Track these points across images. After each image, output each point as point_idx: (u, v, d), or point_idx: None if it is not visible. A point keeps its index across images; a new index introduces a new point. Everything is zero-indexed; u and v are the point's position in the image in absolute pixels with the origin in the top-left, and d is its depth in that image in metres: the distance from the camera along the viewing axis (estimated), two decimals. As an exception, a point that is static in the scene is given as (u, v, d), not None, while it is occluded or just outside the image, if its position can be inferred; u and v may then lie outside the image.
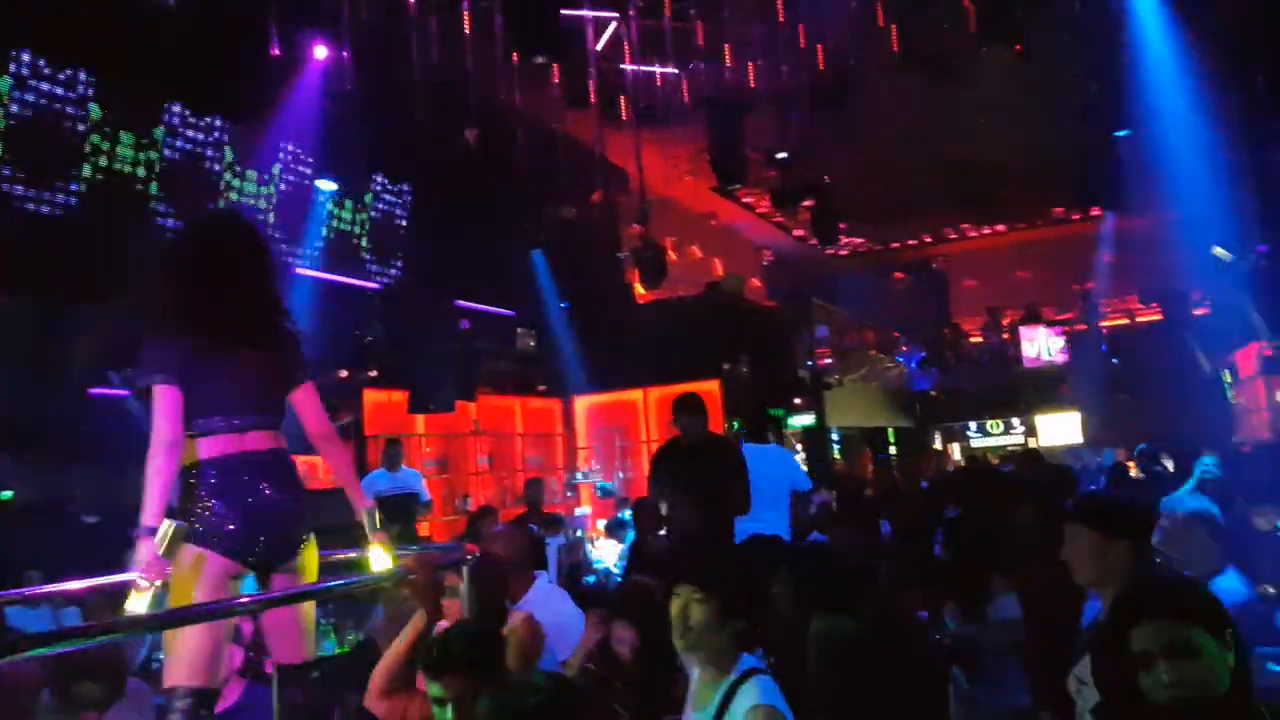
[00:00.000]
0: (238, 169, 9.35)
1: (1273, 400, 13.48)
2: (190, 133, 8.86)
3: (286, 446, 3.11)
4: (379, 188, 11.07)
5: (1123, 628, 2.04)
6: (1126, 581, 2.72)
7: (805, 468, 15.49)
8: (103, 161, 8.13)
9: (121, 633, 2.43)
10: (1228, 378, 16.20)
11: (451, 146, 10.86)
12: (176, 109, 8.73)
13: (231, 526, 2.89)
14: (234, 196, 9.26)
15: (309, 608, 3.19)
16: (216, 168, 9.14)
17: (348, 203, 10.68)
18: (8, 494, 7.15)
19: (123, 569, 2.91)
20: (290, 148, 9.93)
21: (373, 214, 11.01)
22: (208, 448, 2.96)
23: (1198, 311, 16.85)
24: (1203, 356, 15.32)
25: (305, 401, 3.18)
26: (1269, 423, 13.57)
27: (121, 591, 2.84)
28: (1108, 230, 18.80)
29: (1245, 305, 11.76)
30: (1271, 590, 4.25)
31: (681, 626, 2.75)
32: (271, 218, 9.74)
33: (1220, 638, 1.98)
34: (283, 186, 9.89)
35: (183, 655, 2.80)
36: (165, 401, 2.90)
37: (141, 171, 8.43)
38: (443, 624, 3.40)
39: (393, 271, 11.28)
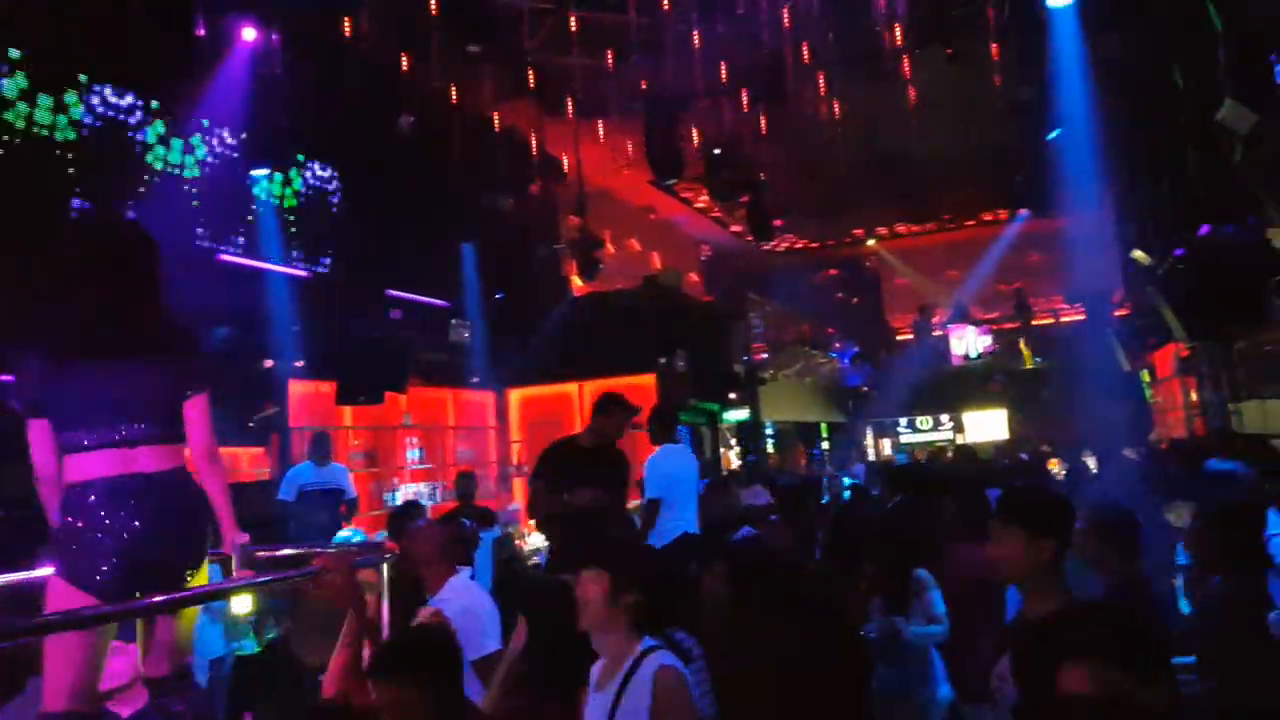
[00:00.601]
0: (163, 151, 9.05)
1: (1188, 399, 13.91)
2: (113, 111, 8.54)
3: (178, 465, 2.97)
4: (309, 174, 10.83)
5: (1051, 659, 2.03)
6: (1049, 581, 2.76)
7: (740, 462, 15.76)
8: (20, 124, 7.78)
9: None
10: (1146, 377, 16.70)
11: (386, 133, 10.67)
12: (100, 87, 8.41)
13: (93, 562, 2.73)
14: (158, 168, 8.96)
15: (185, 622, 3.09)
16: (139, 146, 8.83)
17: (276, 189, 10.43)
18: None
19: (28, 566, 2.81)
20: (218, 131, 9.66)
21: (302, 201, 10.77)
22: (77, 469, 2.81)
23: (1118, 312, 17.33)
24: (1123, 356, 15.74)
25: (191, 414, 3.01)
26: (1184, 421, 14.02)
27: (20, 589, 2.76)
28: (1034, 232, 19.26)
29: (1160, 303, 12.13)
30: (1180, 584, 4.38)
31: (581, 606, 2.87)
32: (196, 204, 9.48)
33: (1149, 676, 1.99)
34: (209, 172, 9.61)
35: (49, 681, 2.73)
36: (30, 435, 2.86)
37: (59, 150, 8.11)
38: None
39: (323, 260, 11.05)
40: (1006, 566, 2.84)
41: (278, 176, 10.36)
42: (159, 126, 8.94)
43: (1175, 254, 11.37)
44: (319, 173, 10.93)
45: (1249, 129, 7.55)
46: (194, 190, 9.44)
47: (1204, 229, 10.30)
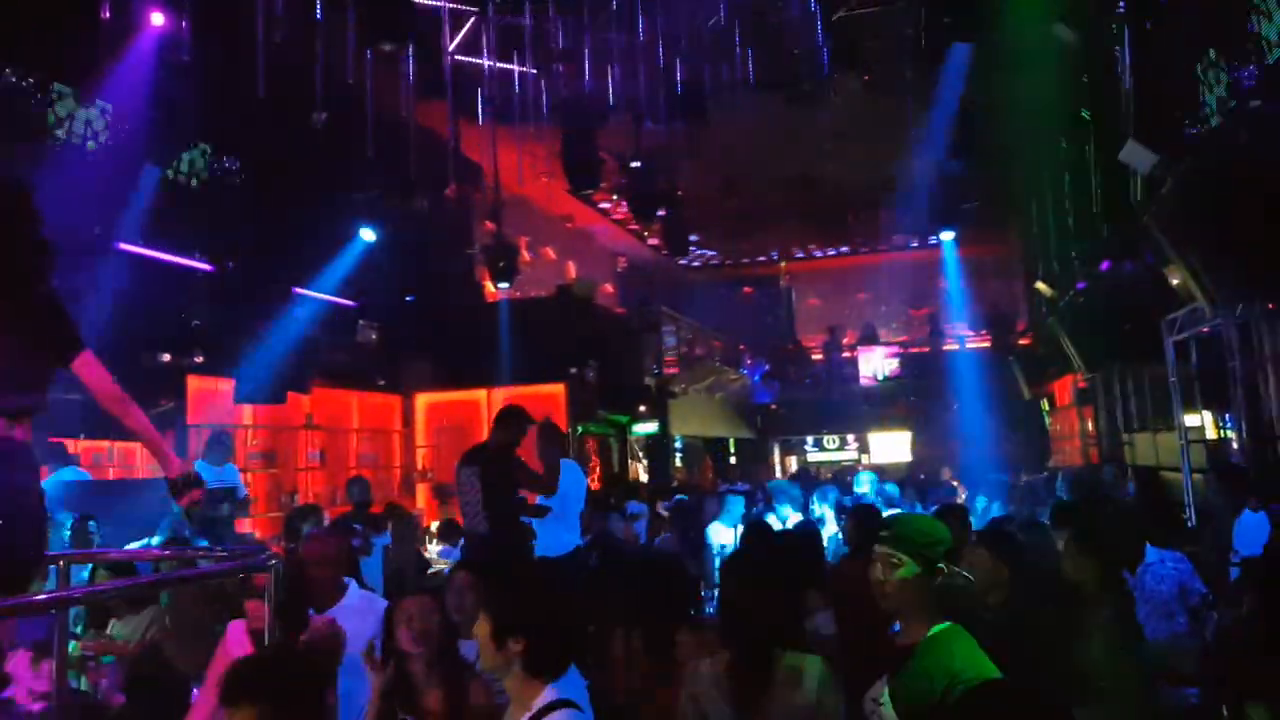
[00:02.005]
0: (59, 134, 8.65)
1: (1084, 429, 14.35)
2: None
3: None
4: (216, 166, 10.48)
5: None
6: (933, 607, 2.74)
7: (648, 475, 15.74)
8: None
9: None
10: (1045, 405, 17.21)
11: (297, 129, 10.39)
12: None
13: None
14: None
15: None
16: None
17: (182, 179, 10.06)
18: None
19: None
20: (121, 117, 9.27)
21: (207, 193, 10.40)
22: None
23: (1021, 341, 17.84)
24: (1024, 384, 16.19)
25: (87, 372, 2.89)
26: (1080, 450, 14.47)
27: None
28: (942, 259, 19.71)
29: (1060, 335, 12.45)
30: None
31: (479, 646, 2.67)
32: (95, 188, 9.08)
33: None
34: (111, 159, 9.21)
35: None
36: None
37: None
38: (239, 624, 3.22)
39: (227, 254, 10.68)
40: (895, 593, 2.80)
41: (183, 167, 10.01)
42: (60, 108, 8.58)
43: (1077, 287, 11.72)
44: (226, 165, 10.59)
45: (1150, 169, 7.79)
46: (94, 177, 9.06)
47: (1105, 265, 10.64)
